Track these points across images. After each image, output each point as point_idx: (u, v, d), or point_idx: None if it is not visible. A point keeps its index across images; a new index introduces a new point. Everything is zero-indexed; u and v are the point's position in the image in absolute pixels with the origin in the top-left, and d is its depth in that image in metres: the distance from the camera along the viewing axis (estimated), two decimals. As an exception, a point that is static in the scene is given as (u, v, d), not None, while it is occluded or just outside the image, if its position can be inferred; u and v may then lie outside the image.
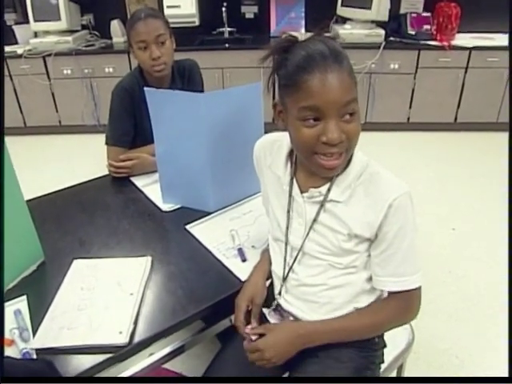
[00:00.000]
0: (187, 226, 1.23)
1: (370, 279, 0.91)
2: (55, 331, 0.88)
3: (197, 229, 1.23)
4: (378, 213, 0.82)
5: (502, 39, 3.44)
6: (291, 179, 0.90)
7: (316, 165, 0.80)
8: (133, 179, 1.50)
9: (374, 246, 0.86)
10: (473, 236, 2.38)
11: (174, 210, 1.32)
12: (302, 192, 0.89)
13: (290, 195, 0.90)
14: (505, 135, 3.76)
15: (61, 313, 0.92)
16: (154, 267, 1.08)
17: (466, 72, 3.38)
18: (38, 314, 0.93)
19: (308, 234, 0.89)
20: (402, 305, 0.89)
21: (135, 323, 0.91)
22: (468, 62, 3.34)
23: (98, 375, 0.85)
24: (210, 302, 0.98)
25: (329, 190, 0.86)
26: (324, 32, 0.79)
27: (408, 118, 3.62)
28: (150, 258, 1.09)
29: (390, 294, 0.89)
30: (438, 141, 3.56)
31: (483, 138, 3.57)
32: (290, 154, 0.92)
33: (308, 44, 0.77)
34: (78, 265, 1.07)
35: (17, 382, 0.74)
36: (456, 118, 3.59)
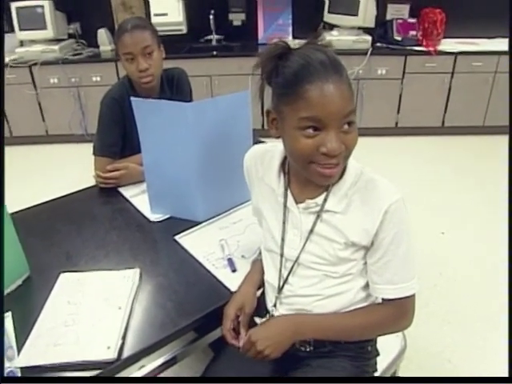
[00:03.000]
0: (176, 237, 1.22)
1: (365, 286, 0.91)
2: (41, 348, 0.86)
3: (186, 239, 1.21)
4: (374, 220, 0.81)
5: (485, 44, 3.50)
6: (285, 190, 0.89)
7: (313, 173, 0.79)
8: (121, 189, 1.48)
9: (371, 254, 0.86)
10: (463, 239, 2.39)
11: (163, 221, 1.31)
12: (297, 203, 0.88)
13: (285, 206, 0.89)
14: (491, 138, 3.83)
15: (47, 329, 0.90)
16: (143, 279, 1.07)
17: (452, 77, 3.43)
18: (23, 330, 0.90)
19: (304, 245, 0.88)
20: (397, 311, 0.88)
21: (124, 338, 0.89)
22: (454, 66, 3.38)
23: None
24: (199, 314, 0.97)
25: (325, 200, 0.85)
26: (318, 40, 0.78)
27: (396, 123, 3.65)
28: (138, 271, 1.07)
29: (384, 300, 0.89)
30: (426, 145, 3.59)
31: (470, 142, 3.62)
32: (283, 164, 0.91)
33: (306, 52, 0.76)
34: (64, 279, 1.05)
35: (17, 382, 0.72)
36: (443, 122, 3.63)
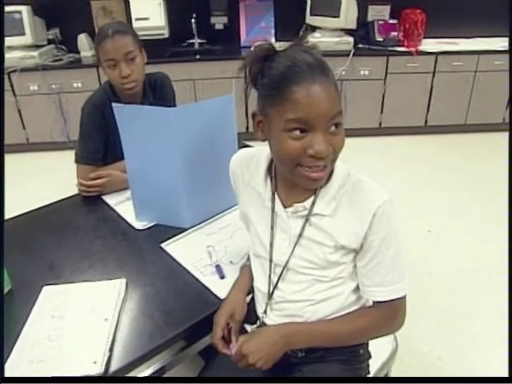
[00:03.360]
0: (162, 244, 1.20)
1: (356, 289, 0.90)
2: (24, 365, 0.83)
3: (172, 246, 1.20)
4: (363, 222, 0.81)
5: (465, 44, 3.56)
6: (273, 194, 0.88)
7: (300, 177, 0.78)
8: (104, 197, 1.46)
9: (360, 257, 0.86)
10: (449, 237, 2.41)
11: (149, 228, 1.29)
12: (285, 207, 0.87)
13: (273, 211, 0.88)
14: (474, 136, 3.89)
15: (30, 345, 0.87)
16: (129, 289, 1.04)
17: (433, 76, 3.47)
18: (5, 347, 0.87)
19: (293, 249, 0.87)
20: (388, 313, 0.88)
21: (111, 350, 0.87)
22: (435, 66, 3.43)
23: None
24: (188, 324, 0.95)
25: (313, 203, 0.84)
26: (303, 42, 0.78)
27: (380, 123, 3.68)
28: (124, 281, 1.05)
29: (375, 302, 0.88)
30: (410, 144, 3.63)
31: (453, 140, 3.66)
32: (269, 168, 0.90)
33: (292, 54, 0.75)
34: (47, 292, 1.02)
35: (17, 382, 0.72)
36: (426, 122, 3.67)
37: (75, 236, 1.27)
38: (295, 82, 0.71)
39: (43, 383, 0.77)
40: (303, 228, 0.86)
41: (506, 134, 3.68)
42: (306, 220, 0.85)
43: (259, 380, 0.93)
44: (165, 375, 1.02)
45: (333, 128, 0.75)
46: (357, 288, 0.90)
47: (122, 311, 0.98)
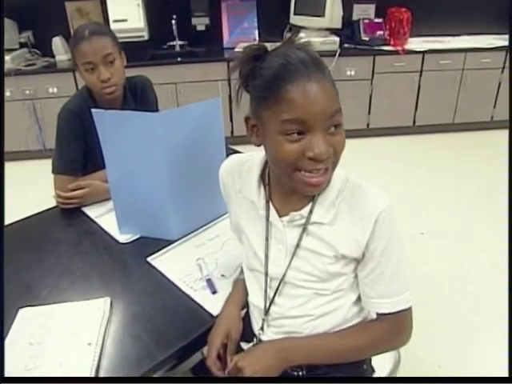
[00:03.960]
0: (148, 259, 1.16)
1: (357, 300, 0.88)
2: (-1, 399, 0.77)
3: (159, 260, 1.16)
4: (364, 229, 0.78)
5: (452, 42, 3.60)
6: (267, 203, 0.85)
7: (299, 182, 0.75)
8: (85, 209, 1.41)
9: (362, 267, 0.83)
10: (443, 239, 2.42)
11: (133, 241, 1.25)
12: (280, 216, 0.84)
13: (267, 220, 0.85)
14: (462, 135, 3.93)
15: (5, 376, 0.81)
16: (114, 309, 1.00)
17: (420, 75, 3.50)
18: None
19: (290, 261, 0.84)
20: (393, 327, 0.85)
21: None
22: (422, 65, 3.45)
23: None
24: (180, 344, 0.90)
25: (311, 211, 0.81)
26: (296, 39, 0.75)
27: (368, 124, 3.69)
28: (108, 300, 1.01)
29: (379, 314, 0.85)
30: (399, 145, 3.64)
31: (442, 139, 3.69)
32: (262, 175, 0.86)
33: (285, 51, 0.72)
34: (24, 315, 0.96)
35: (17, 382, 0.71)
36: (414, 122, 3.69)
37: (54, 252, 1.22)
38: (289, 81, 0.69)
39: (43, 383, 0.76)
40: (300, 238, 0.83)
41: (495, 132, 3.73)
42: (304, 229, 0.82)
43: (259, 380, 0.90)
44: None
45: (332, 128, 0.72)
46: (359, 299, 0.88)
47: (107, 334, 0.93)
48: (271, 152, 0.76)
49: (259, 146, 0.78)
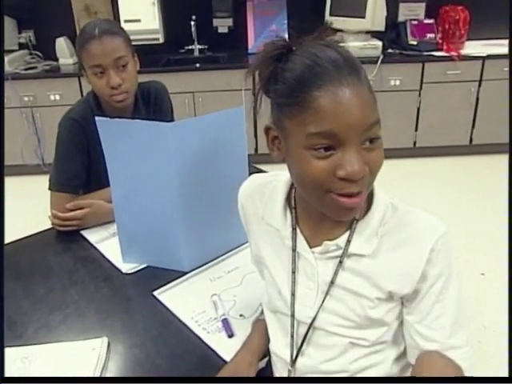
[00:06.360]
0: (155, 292, 1.18)
1: (399, 358, 0.84)
2: None
3: (168, 295, 1.17)
4: (418, 260, 0.76)
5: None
6: (294, 230, 0.83)
7: (330, 206, 0.73)
8: (84, 233, 1.44)
9: (412, 309, 0.79)
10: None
11: (138, 272, 1.27)
12: (310, 246, 0.82)
13: (294, 251, 0.84)
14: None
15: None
16: (112, 352, 1.01)
17: (479, 85, 3.48)
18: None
19: (323, 302, 0.82)
20: None
21: None
22: (481, 73, 3.44)
23: None
24: (188, 398, 0.89)
25: (348, 240, 0.79)
26: (326, 35, 0.74)
27: (414, 143, 3.68)
28: (105, 340, 1.01)
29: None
30: (452, 167, 3.61)
31: (505, 161, 3.61)
32: (288, 197, 0.86)
33: (312, 50, 0.71)
34: (5, 357, 0.95)
35: (17, 382, 0.77)
36: (471, 140, 3.66)
37: (45, 282, 1.25)
38: (317, 86, 0.67)
39: (43, 383, 0.80)
40: (336, 273, 0.80)
41: None
42: (340, 262, 0.80)
43: (259, 380, 0.90)
44: None
45: (367, 143, 0.70)
46: (401, 355, 0.84)
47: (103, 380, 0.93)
48: (295, 170, 0.75)
49: (282, 161, 0.78)
